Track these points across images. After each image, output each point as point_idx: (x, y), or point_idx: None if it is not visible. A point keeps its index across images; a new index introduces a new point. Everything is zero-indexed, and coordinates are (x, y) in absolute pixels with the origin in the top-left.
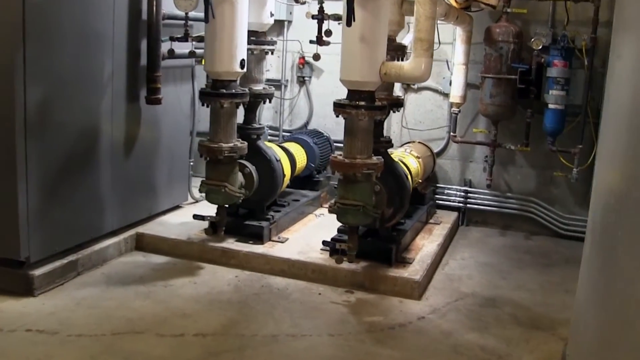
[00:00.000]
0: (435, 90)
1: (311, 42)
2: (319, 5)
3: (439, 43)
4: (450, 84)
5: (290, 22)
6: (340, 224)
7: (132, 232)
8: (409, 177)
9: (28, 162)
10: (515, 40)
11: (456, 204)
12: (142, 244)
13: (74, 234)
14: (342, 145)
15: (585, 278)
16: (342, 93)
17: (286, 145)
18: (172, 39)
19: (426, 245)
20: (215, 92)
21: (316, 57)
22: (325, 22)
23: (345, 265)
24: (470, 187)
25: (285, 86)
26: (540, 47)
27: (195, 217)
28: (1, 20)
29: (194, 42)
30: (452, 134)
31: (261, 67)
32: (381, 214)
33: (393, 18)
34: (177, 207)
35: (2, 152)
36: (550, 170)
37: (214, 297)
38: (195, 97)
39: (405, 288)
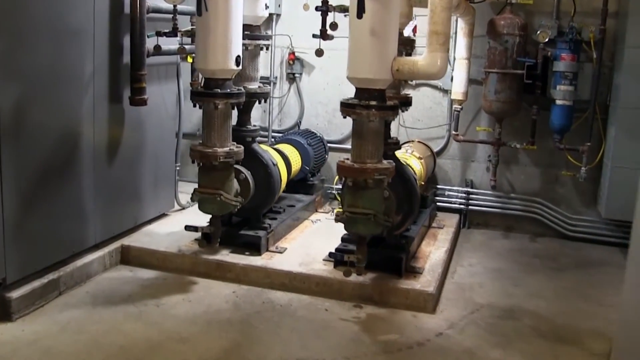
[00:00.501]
0: (435, 87)
1: (314, 36)
2: None
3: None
4: (452, 79)
5: (279, 15)
6: (345, 232)
7: (116, 244)
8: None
9: (2, 170)
10: (520, 33)
11: (457, 205)
12: (128, 257)
13: (54, 250)
14: (335, 146)
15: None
16: (333, 91)
17: (279, 147)
18: (159, 34)
19: (433, 252)
20: (209, 92)
21: (319, 52)
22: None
23: (352, 277)
24: (471, 187)
25: (274, 84)
26: (546, 40)
27: (188, 228)
28: None
29: (183, 38)
30: (453, 132)
31: (255, 63)
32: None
33: (401, 9)
34: (164, 215)
35: None
36: (555, 169)
37: (212, 316)
38: (181, 96)
39: (418, 301)
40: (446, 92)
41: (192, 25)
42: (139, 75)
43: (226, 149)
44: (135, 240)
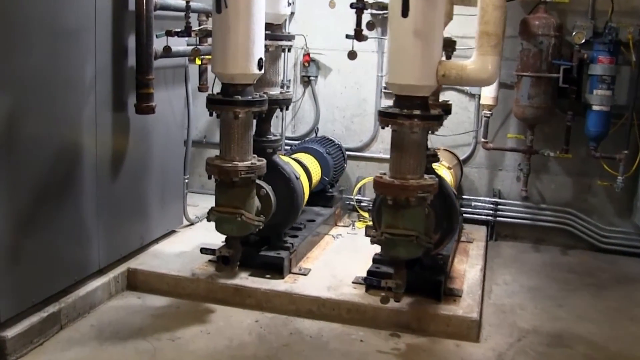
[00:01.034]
0: (461, 91)
1: (347, 36)
2: None
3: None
4: None
5: (292, 13)
6: (377, 253)
7: (122, 268)
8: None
9: None
10: (556, 34)
11: (484, 217)
12: (136, 282)
13: (54, 278)
14: (353, 154)
15: None
16: (351, 94)
17: (298, 157)
18: (169, 33)
19: (468, 270)
20: (229, 99)
21: (352, 55)
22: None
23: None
24: (499, 198)
25: (288, 87)
26: (583, 41)
27: (204, 251)
28: None
29: (198, 38)
30: (482, 139)
31: (276, 67)
32: None
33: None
34: (172, 232)
35: None
36: (587, 178)
37: (236, 351)
38: (189, 102)
39: (460, 328)
40: (473, 96)
41: (199, 24)
42: (146, 79)
43: (247, 163)
44: (142, 262)
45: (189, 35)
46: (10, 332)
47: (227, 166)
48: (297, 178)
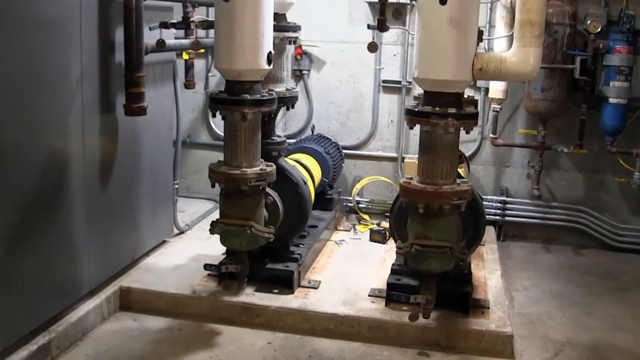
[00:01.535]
0: None
1: (369, 27)
2: None
3: None
4: None
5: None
6: (395, 262)
7: (114, 287)
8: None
9: None
10: (571, 23)
11: (491, 216)
12: (129, 301)
13: (42, 305)
14: (350, 152)
15: None
16: (347, 89)
17: (298, 157)
18: (164, 25)
19: (488, 277)
20: (236, 98)
21: (373, 47)
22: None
23: None
24: (507, 196)
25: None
26: (598, 30)
27: (208, 268)
28: None
29: (197, 30)
30: (491, 135)
31: (282, 61)
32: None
33: None
34: (163, 242)
35: None
36: (600, 174)
37: None
38: (178, 100)
39: (494, 344)
40: (479, 89)
41: (185, 13)
42: (136, 77)
43: (256, 169)
44: (136, 279)
45: (188, 27)
46: None
47: (235, 173)
48: (305, 183)
